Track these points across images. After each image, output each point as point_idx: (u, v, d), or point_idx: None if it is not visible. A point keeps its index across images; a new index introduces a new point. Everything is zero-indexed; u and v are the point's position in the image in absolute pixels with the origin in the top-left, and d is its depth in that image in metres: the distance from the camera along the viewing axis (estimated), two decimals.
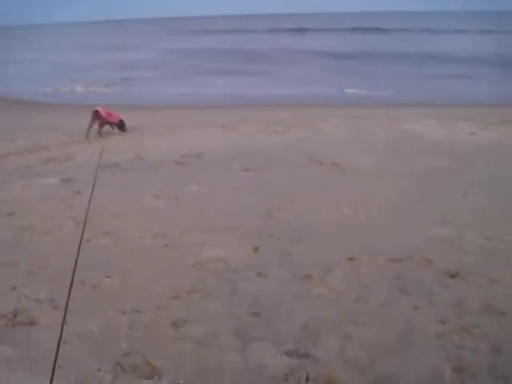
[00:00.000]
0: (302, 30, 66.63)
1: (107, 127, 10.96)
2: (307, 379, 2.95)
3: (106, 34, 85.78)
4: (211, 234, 5.04)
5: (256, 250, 4.65)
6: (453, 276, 4.12)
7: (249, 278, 4.13)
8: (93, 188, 5.46)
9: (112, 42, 56.92)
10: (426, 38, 50.21)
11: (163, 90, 21.40)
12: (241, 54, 35.15)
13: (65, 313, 3.47)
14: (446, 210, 5.64)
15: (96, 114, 10.60)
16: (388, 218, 5.42)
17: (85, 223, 4.76)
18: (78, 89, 22.86)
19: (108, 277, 4.20)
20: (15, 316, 3.70)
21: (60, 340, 3.19)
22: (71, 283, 3.71)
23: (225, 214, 5.57)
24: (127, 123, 11.25)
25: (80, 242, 4.18)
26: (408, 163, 7.68)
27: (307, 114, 12.97)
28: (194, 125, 11.72)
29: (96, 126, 10.69)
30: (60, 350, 3.25)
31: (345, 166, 7.45)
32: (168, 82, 24.31)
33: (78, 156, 8.62)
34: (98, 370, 3.10)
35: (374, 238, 4.88)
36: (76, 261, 3.78)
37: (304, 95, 18.56)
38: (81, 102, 17.20)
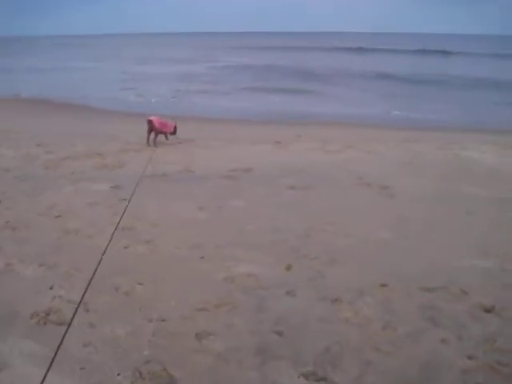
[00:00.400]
0: (361, 50, 65.72)
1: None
2: None
3: (154, 46, 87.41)
4: (247, 249, 5.06)
5: (289, 268, 4.64)
6: (488, 311, 3.98)
7: (277, 296, 4.12)
8: (131, 196, 5.59)
9: (164, 55, 58.08)
10: (493, 62, 48.87)
11: (217, 103, 21.72)
12: (298, 72, 35.10)
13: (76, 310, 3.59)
14: (491, 242, 5.46)
15: (149, 123, 10.82)
16: (428, 245, 5.30)
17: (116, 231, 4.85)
18: (135, 98, 23.49)
19: (140, 284, 4.28)
20: (48, 315, 3.82)
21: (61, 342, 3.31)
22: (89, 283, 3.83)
23: (264, 231, 5.58)
24: (181, 134, 11.46)
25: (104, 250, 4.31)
26: (458, 190, 7.49)
27: (362, 135, 12.86)
28: (247, 139, 11.81)
29: (152, 135, 10.94)
30: (85, 352, 3.37)
31: (393, 189, 7.33)
32: (222, 95, 24.67)
33: (130, 164, 8.82)
34: (118, 375, 3.16)
35: (411, 265, 4.77)
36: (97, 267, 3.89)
37: (359, 115, 18.41)
38: (137, 111, 17.62)
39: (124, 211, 6.01)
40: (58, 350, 3.39)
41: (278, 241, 5.28)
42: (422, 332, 3.67)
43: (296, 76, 32.75)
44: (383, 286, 4.32)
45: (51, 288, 4.22)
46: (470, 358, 3.36)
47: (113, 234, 5.36)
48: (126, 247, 5.06)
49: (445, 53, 60.83)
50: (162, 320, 3.76)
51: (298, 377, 3.14)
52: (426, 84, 29.48)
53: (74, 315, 3.78)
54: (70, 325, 3.68)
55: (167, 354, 3.36)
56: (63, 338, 3.52)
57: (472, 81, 29.96)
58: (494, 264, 4.89)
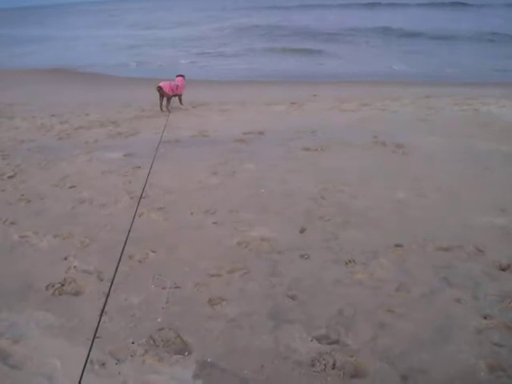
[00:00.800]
0: (374, 5, 63.45)
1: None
2: (333, 366, 2.90)
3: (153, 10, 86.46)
4: (261, 213, 5.03)
5: (303, 231, 4.61)
6: (503, 269, 3.91)
7: (291, 260, 4.10)
8: (151, 165, 5.55)
9: (165, 18, 57.56)
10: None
11: (229, 66, 21.54)
12: (309, 32, 34.47)
13: (110, 286, 3.60)
14: (508, 199, 5.34)
15: (159, 90, 10.77)
16: (444, 204, 5.21)
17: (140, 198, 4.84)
18: (144, 64, 23.40)
19: (154, 251, 4.29)
20: (63, 285, 3.86)
21: (102, 312, 3.33)
22: (120, 257, 3.84)
23: (277, 194, 5.53)
24: (194, 98, 11.40)
25: (134, 217, 4.31)
26: (477, 146, 7.34)
27: (377, 93, 12.65)
28: (261, 101, 11.71)
29: (164, 101, 10.90)
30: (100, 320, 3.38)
31: (409, 147, 7.21)
32: (233, 57, 24.47)
33: (144, 131, 8.81)
34: (133, 343, 3.18)
35: (426, 225, 4.70)
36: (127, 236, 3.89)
37: (376, 73, 18.12)
38: (148, 76, 17.55)
39: (146, 181, 5.97)
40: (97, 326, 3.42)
41: (291, 203, 5.24)
42: (437, 292, 3.62)
43: (311, 36, 32.19)
44: (398, 246, 4.27)
45: (65, 259, 4.25)
46: (485, 317, 3.32)
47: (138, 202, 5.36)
48: (139, 215, 5.05)
49: (462, 4, 58.87)
50: (176, 287, 3.77)
51: (311, 340, 3.13)
52: (441, 39, 28.78)
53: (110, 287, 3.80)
54: (111, 285, 3.71)
55: (181, 321, 3.37)
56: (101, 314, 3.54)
57: (486, 34, 29.18)
58: (511, 221, 4.79)
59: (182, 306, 3.54)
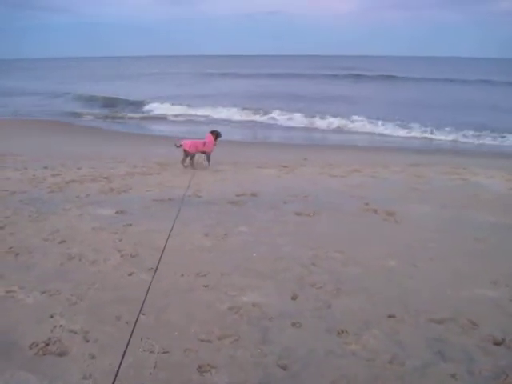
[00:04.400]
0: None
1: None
2: None
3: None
4: (253, 277, 4.98)
5: (294, 298, 4.55)
6: (497, 344, 3.86)
7: (282, 328, 4.02)
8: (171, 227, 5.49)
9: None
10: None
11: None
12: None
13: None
14: (501, 271, 5.34)
15: (180, 147, 11.17)
16: (436, 275, 5.19)
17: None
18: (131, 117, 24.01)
19: (143, 314, 4.19)
20: (47, 345, 3.73)
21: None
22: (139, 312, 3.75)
23: (269, 259, 5.49)
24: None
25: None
26: (467, 217, 7.42)
27: (369, 159, 12.81)
28: (254, 163, 11.82)
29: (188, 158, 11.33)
30: None
31: (400, 215, 7.26)
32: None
33: (136, 188, 8.79)
34: None
35: (419, 295, 4.67)
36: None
37: (367, 139, 18.50)
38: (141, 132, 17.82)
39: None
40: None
41: (283, 269, 5.20)
42: (431, 366, 3.56)
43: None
44: (390, 317, 4.22)
45: (52, 317, 4.13)
46: None
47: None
48: (129, 274, 4.99)
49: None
50: (164, 352, 3.67)
51: None
52: None
53: None
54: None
55: None
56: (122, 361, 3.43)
57: None
58: (504, 294, 4.78)
59: (171, 372, 3.43)
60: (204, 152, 11.42)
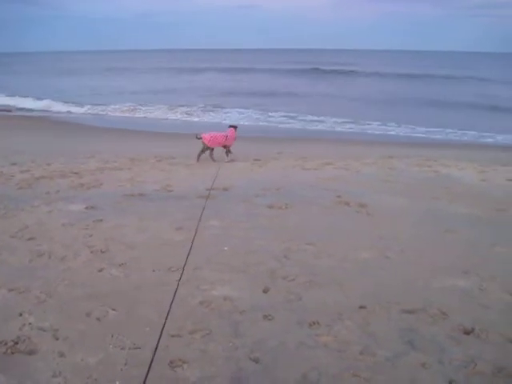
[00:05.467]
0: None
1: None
2: None
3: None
4: (224, 271, 4.96)
5: (266, 291, 4.54)
6: (467, 333, 3.91)
7: (254, 321, 4.01)
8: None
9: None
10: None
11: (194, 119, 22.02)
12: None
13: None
14: (471, 260, 5.42)
15: (200, 139, 11.30)
16: (408, 265, 5.24)
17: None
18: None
19: (113, 309, 4.15)
20: (16, 344, 3.66)
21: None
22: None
23: (241, 252, 5.48)
24: (162, 153, 11.46)
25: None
26: (438, 208, 7.52)
27: (342, 151, 12.86)
28: (226, 157, 11.78)
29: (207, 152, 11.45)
30: (54, 383, 3.23)
31: (372, 207, 7.31)
32: (199, 112, 25.01)
33: (107, 183, 8.71)
34: None
35: (390, 286, 4.70)
36: None
37: (340, 131, 18.62)
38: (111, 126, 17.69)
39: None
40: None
41: (255, 262, 5.19)
42: (402, 356, 3.58)
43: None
44: (362, 308, 4.24)
45: (20, 315, 4.06)
46: (450, 382, 3.28)
47: None
48: (99, 270, 4.93)
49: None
50: (136, 347, 3.63)
51: None
52: None
53: None
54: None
55: None
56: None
57: None
58: (474, 283, 4.84)
59: (142, 367, 3.39)
60: (225, 146, 11.54)
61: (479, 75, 53.06)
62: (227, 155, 11.64)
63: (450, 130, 20.46)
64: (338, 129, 20.97)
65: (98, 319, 4.02)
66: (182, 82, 46.38)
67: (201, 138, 11.28)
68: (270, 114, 25.48)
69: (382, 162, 11.73)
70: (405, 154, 13.01)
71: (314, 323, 3.98)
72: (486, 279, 4.93)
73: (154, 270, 4.96)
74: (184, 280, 4.74)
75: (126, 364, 3.45)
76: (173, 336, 3.78)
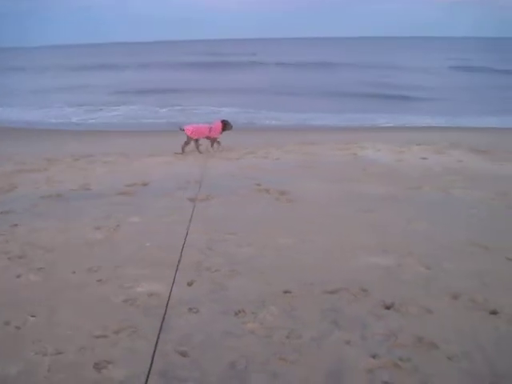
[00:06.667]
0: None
1: None
2: None
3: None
4: (147, 267, 4.90)
5: (191, 284, 4.53)
6: (388, 307, 4.06)
7: (180, 314, 3.99)
8: None
9: None
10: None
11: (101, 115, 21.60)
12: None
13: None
14: (389, 238, 5.63)
15: (183, 131, 11.25)
16: (329, 248, 5.37)
17: None
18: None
19: (33, 316, 4.01)
20: None
21: None
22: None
23: (164, 247, 5.43)
24: (78, 151, 11.17)
25: None
26: (356, 190, 7.73)
27: (264, 140, 12.94)
28: (145, 151, 11.64)
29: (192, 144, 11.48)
30: None
31: (292, 194, 7.42)
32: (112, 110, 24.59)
33: (22, 186, 8.40)
34: None
35: (313, 269, 4.81)
36: None
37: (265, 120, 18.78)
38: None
39: None
40: None
41: (178, 256, 5.12)
42: (327, 336, 3.67)
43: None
44: (286, 292, 4.32)
45: None
46: (373, 356, 3.40)
47: None
48: (17, 276, 4.75)
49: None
50: (58, 353, 3.52)
51: None
52: None
53: None
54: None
55: None
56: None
57: None
58: (393, 260, 5.03)
59: (66, 373, 3.30)
60: (208, 138, 11.51)
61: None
62: (212, 146, 11.74)
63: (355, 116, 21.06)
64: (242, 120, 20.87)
65: (18, 327, 3.87)
66: (72, 80, 43.59)
67: (184, 130, 11.29)
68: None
69: (301, 148, 11.92)
70: (322, 140, 13.25)
71: (239, 312, 4.02)
72: (403, 255, 5.14)
73: (74, 272, 4.83)
74: (106, 279, 4.67)
75: (49, 370, 3.35)
76: (97, 337, 3.70)
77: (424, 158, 10.47)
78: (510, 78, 37.85)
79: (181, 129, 11.37)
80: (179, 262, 4.92)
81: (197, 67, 54.37)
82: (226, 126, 11.66)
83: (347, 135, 14.47)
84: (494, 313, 4.00)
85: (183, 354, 3.48)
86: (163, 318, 3.88)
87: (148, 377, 3.08)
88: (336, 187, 7.90)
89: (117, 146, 12.45)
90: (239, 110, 23.14)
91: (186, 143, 11.43)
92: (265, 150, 11.51)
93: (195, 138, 11.42)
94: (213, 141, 11.68)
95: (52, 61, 75.00)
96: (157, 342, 3.52)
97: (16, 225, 6.25)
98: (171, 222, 6.22)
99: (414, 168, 9.49)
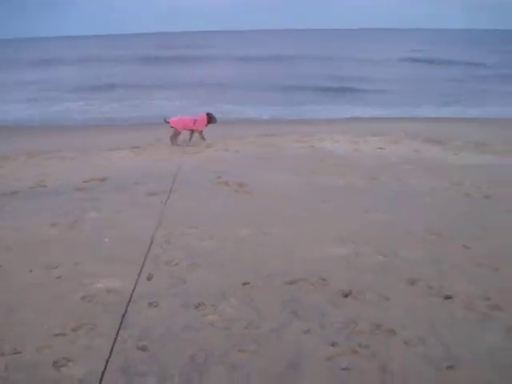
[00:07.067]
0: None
1: None
2: None
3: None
4: (106, 263, 4.86)
5: (150, 278, 4.52)
6: (346, 295, 4.14)
7: (139, 309, 3.98)
8: None
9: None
10: None
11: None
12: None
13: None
14: (347, 228, 5.72)
15: (168, 123, 11.10)
16: (288, 239, 5.42)
17: None
18: None
19: None
20: None
21: None
22: None
23: (122, 242, 5.40)
24: (33, 147, 10.96)
25: None
26: (314, 181, 7.80)
27: (222, 133, 12.91)
28: (103, 146, 11.48)
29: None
30: None
31: (251, 186, 7.45)
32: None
33: None
34: None
35: (272, 260, 4.85)
36: None
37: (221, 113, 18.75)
38: None
39: None
40: None
41: (137, 251, 5.11)
42: (286, 326, 3.72)
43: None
44: (245, 284, 4.35)
45: None
46: (332, 344, 3.46)
47: None
48: None
49: None
50: (16, 352, 3.48)
51: None
52: None
53: None
54: None
55: None
56: None
57: None
58: (350, 249, 5.12)
59: (24, 372, 3.26)
60: (192, 130, 11.42)
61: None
62: (190, 139, 11.69)
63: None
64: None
65: None
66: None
67: (169, 122, 11.17)
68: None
69: (260, 140, 11.95)
70: (281, 132, 13.31)
71: (199, 305, 4.03)
72: (361, 244, 5.25)
73: (31, 270, 4.76)
74: (65, 276, 4.62)
75: (6, 370, 3.30)
76: (56, 335, 3.66)
77: (381, 148, 10.63)
78: (470, 69, 38.90)
79: (166, 121, 11.26)
80: (145, 257, 4.93)
81: (152, 61, 53.34)
82: (211, 119, 11.59)
83: (305, 127, 14.54)
84: (449, 298, 4.11)
85: (143, 349, 3.48)
86: (123, 314, 3.88)
87: (103, 373, 3.06)
88: (295, 179, 7.97)
89: (74, 142, 12.22)
90: (195, 102, 22.89)
91: (175, 135, 11.34)
92: (224, 143, 11.52)
93: (180, 129, 11.33)
94: (201, 135, 11.62)
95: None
96: (115, 338, 3.51)
97: None
98: (130, 217, 6.18)
99: (372, 158, 9.63)
